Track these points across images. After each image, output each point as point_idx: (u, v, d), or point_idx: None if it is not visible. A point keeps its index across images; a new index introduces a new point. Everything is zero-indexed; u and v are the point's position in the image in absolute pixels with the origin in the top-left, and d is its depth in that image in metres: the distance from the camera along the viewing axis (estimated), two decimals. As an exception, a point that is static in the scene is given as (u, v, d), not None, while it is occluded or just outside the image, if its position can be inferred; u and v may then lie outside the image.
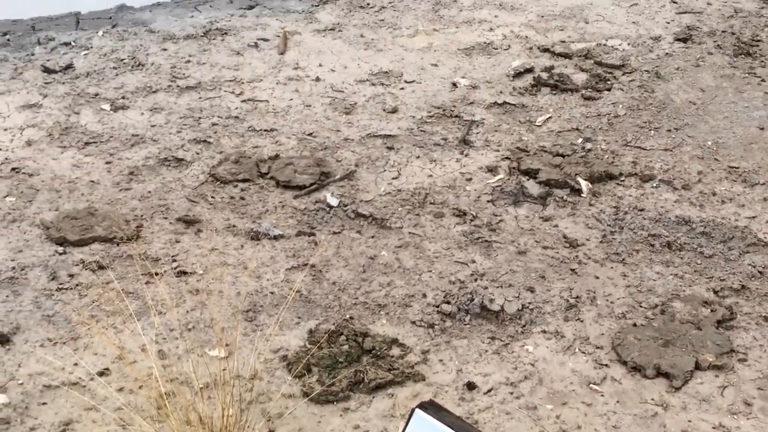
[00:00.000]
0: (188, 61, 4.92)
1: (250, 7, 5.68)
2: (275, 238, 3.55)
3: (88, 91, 4.58)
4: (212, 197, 3.80)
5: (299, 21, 5.44)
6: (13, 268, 3.30)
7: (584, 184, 3.88)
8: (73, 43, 5.05)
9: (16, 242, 3.44)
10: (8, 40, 5.09)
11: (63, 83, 4.63)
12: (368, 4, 5.64)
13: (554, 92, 4.66)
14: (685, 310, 3.18)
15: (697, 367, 2.92)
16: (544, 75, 4.78)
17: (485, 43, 5.17)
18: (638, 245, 3.54)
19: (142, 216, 3.64)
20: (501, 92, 4.67)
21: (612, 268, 3.42)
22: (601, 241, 3.57)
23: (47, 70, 4.73)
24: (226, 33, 5.25)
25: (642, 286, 3.32)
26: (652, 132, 4.35)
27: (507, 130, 4.35)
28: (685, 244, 3.55)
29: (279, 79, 4.78)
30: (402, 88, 4.73)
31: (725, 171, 4.06)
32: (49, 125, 4.26)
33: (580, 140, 4.25)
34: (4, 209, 3.63)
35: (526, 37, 5.24)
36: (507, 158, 4.11)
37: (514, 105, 4.56)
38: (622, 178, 3.97)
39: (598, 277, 3.37)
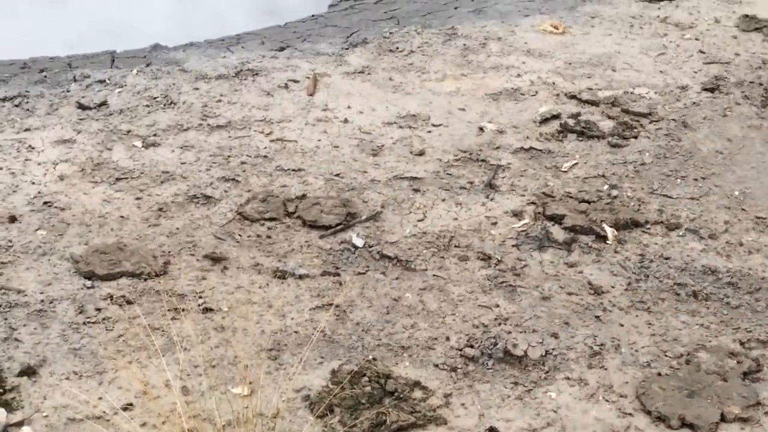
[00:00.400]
0: (219, 101, 5.00)
1: (281, 49, 5.76)
2: (300, 277, 3.58)
3: (121, 127, 4.66)
4: (239, 235, 3.84)
5: (329, 63, 5.52)
6: (42, 300, 3.34)
7: (610, 231, 3.88)
8: (107, 81, 5.15)
9: (46, 275, 3.50)
10: (45, 76, 5.20)
11: (97, 120, 4.72)
12: (398, 48, 5.72)
13: (581, 139, 4.69)
14: (711, 360, 3.16)
15: (723, 419, 2.89)
16: (571, 121, 4.80)
17: (513, 88, 5.21)
18: (664, 294, 3.53)
19: (169, 252, 3.69)
20: (527, 137, 4.70)
21: (637, 316, 3.41)
22: (626, 289, 3.56)
23: (82, 107, 4.82)
24: (257, 74, 5.33)
25: (667, 335, 3.30)
26: (679, 180, 4.35)
27: (533, 175, 4.37)
28: (712, 294, 3.53)
29: (308, 120, 4.84)
30: (429, 132, 4.77)
31: (752, 221, 4.05)
32: (82, 160, 4.33)
33: (606, 187, 4.26)
34: (36, 242, 3.69)
35: (554, 83, 5.28)
36: (532, 203, 4.13)
37: (541, 150, 4.58)
38: (648, 226, 3.97)
39: (622, 325, 3.36)
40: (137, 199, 4.07)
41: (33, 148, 4.42)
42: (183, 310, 3.28)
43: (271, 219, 3.96)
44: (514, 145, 4.63)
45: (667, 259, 3.74)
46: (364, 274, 3.64)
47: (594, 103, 5.04)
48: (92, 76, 5.23)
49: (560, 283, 3.60)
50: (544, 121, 4.84)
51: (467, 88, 5.23)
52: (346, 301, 3.44)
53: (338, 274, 3.62)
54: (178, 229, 3.86)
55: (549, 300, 3.50)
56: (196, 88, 5.13)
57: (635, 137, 4.71)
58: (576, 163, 4.48)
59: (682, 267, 3.69)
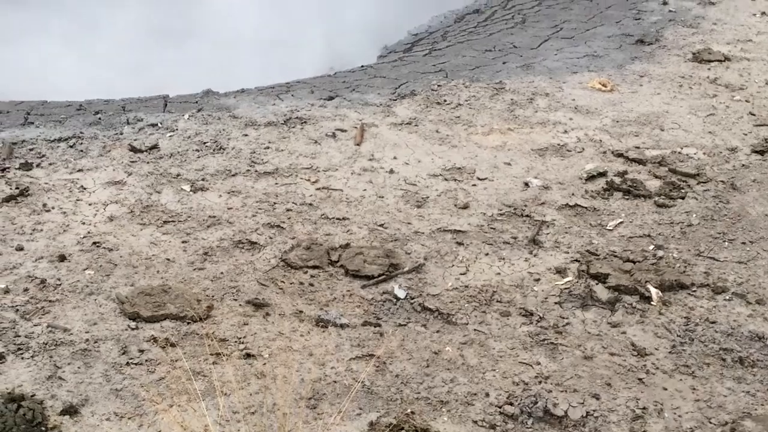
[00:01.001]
0: (267, 147, 5.07)
1: (330, 98, 5.84)
2: (341, 326, 3.58)
3: (171, 171, 4.74)
4: (282, 282, 3.87)
5: (377, 114, 5.58)
6: (87, 340, 3.39)
7: (654, 292, 3.84)
8: (159, 125, 5.26)
9: (92, 315, 3.55)
10: (100, 118, 5.33)
11: (147, 162, 4.81)
12: (445, 100, 5.76)
13: (627, 197, 4.66)
14: (757, 429, 3.09)
15: (768, 490, 2.82)
16: (617, 180, 4.79)
17: (559, 144, 5.22)
18: (709, 359, 3.47)
19: (213, 296, 3.72)
20: (573, 194, 4.69)
21: (681, 380, 3.36)
22: (670, 352, 3.51)
23: (134, 149, 4.92)
24: (305, 122, 5.40)
25: (712, 401, 3.24)
26: (726, 243, 4.30)
27: (577, 232, 4.36)
28: (758, 360, 3.47)
29: (354, 170, 4.88)
30: (474, 185, 4.78)
31: (801, 287, 3.97)
32: (132, 202, 4.41)
33: (652, 247, 4.23)
34: (83, 281, 3.76)
35: (601, 141, 5.27)
36: (576, 261, 4.11)
37: (586, 208, 4.57)
38: (693, 289, 3.92)
39: (666, 389, 3.31)
40: (183, 242, 4.12)
41: (85, 189, 4.51)
42: (224, 355, 3.30)
43: (314, 267, 3.99)
44: (559, 201, 4.62)
45: (713, 323, 3.69)
46: (404, 325, 3.64)
47: (641, 162, 5.02)
48: (145, 119, 5.35)
49: (603, 343, 3.56)
50: (590, 178, 4.83)
51: (513, 143, 5.25)
52: (386, 352, 3.43)
53: (379, 325, 3.62)
54: (222, 273, 3.90)
55: (591, 360, 3.46)
56: (246, 135, 5.21)
57: (682, 198, 4.68)
58: (621, 222, 4.45)
59: (729, 332, 3.64)
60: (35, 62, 7.72)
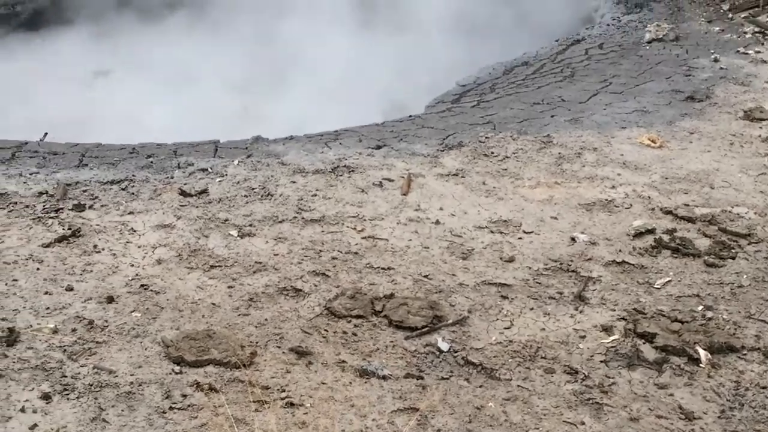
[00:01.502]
0: (315, 195, 5.11)
1: (378, 147, 5.88)
2: (384, 377, 3.57)
3: (219, 216, 4.80)
4: (326, 330, 3.87)
5: (424, 164, 5.60)
6: (131, 383, 3.41)
7: (703, 354, 3.77)
8: (209, 170, 5.34)
9: (137, 357, 3.58)
10: (152, 162, 5.42)
11: (196, 207, 4.88)
12: (492, 152, 5.77)
13: (675, 256, 4.60)
14: (809, 501, 3.00)
15: None
16: (666, 237, 4.73)
17: (607, 200, 5.18)
18: (760, 425, 3.38)
19: (257, 343, 3.74)
20: (620, 251, 4.65)
21: (730, 446, 3.28)
22: (719, 417, 3.43)
23: (183, 194, 5.00)
24: (353, 170, 5.45)
25: (762, 470, 3.16)
26: (778, 306, 4.21)
27: (624, 290, 4.30)
28: (811, 429, 3.37)
29: (400, 219, 4.89)
30: (520, 238, 4.76)
31: None
32: (180, 246, 4.47)
33: (701, 308, 4.16)
34: (130, 324, 3.80)
35: (649, 197, 5.23)
36: (623, 319, 4.05)
37: (633, 265, 4.52)
38: (744, 352, 3.84)
39: (714, 455, 3.23)
40: (229, 287, 4.15)
41: (135, 231, 4.58)
42: (267, 402, 3.30)
43: (358, 316, 3.99)
44: (606, 257, 4.58)
45: (764, 388, 3.60)
46: (447, 379, 3.61)
47: (690, 220, 4.96)
48: (195, 164, 5.43)
49: (649, 405, 3.49)
50: (638, 235, 4.78)
51: (560, 197, 5.23)
52: (429, 406, 3.40)
53: (422, 378, 3.60)
54: (266, 320, 3.92)
55: (637, 422, 3.40)
56: (293, 182, 5.27)
57: (732, 258, 4.60)
58: (670, 281, 4.39)
59: (780, 398, 3.55)
60: (130, 104, 8.06)
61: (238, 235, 4.63)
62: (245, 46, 9.48)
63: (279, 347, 3.73)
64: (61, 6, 10.67)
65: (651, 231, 4.82)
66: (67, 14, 10.58)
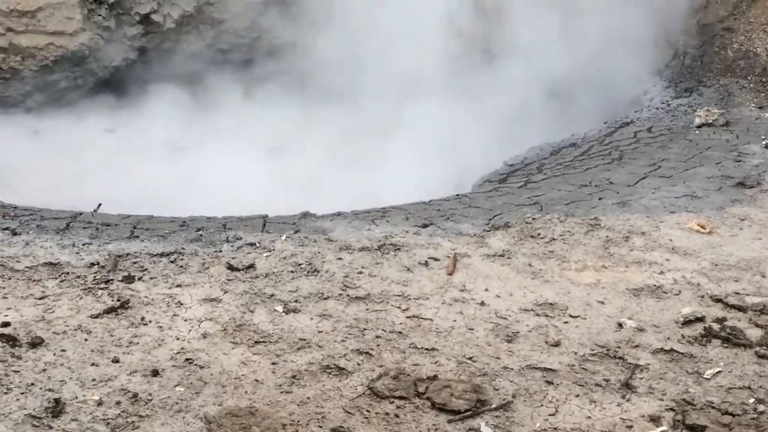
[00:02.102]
0: (360, 272, 5.13)
1: (425, 226, 5.91)
2: (425, 462, 3.52)
3: (265, 291, 4.84)
4: (368, 411, 3.85)
5: (470, 244, 5.61)
6: (173, 458, 3.41)
7: (755, 450, 3.66)
8: (257, 244, 5.40)
9: (179, 432, 3.58)
10: (201, 235, 5.51)
11: (243, 281, 4.93)
12: (539, 234, 5.76)
13: (725, 345, 4.51)
14: None
15: None
16: (716, 326, 4.65)
17: (655, 285, 5.12)
18: None
19: (298, 422, 3.72)
20: (669, 338, 4.57)
21: None
22: None
23: (231, 268, 5.05)
24: (399, 249, 5.47)
25: None
26: (833, 401, 4.09)
27: (673, 379, 4.22)
28: None
29: (445, 299, 4.88)
30: (566, 322, 4.71)
31: None
32: (225, 320, 4.50)
33: (752, 401, 4.05)
34: (173, 398, 3.81)
35: (698, 284, 5.16)
36: (671, 409, 3.96)
37: (682, 354, 4.43)
38: (797, 448, 3.72)
39: None
40: (273, 364, 4.16)
41: (182, 304, 4.63)
42: (306, 484, 3.28)
43: (400, 398, 3.95)
44: (654, 345, 4.50)
45: (818, 487, 3.48)
46: (490, 466, 3.55)
47: (741, 309, 4.87)
48: (244, 238, 5.50)
49: (699, 501, 3.39)
50: (687, 323, 4.71)
51: (607, 281, 5.18)
52: (470, 493, 3.34)
53: (464, 464, 3.55)
54: (308, 398, 3.90)
55: None
56: (340, 258, 5.30)
57: (785, 349, 4.50)
58: (720, 371, 4.29)
59: (836, 499, 3.42)
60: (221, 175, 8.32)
61: (284, 311, 4.65)
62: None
63: (320, 427, 3.71)
64: (145, 68, 11.03)
65: (700, 319, 4.74)
66: (151, 76, 10.94)
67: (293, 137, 9.67)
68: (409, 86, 9.63)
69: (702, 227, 5.92)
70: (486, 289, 5.03)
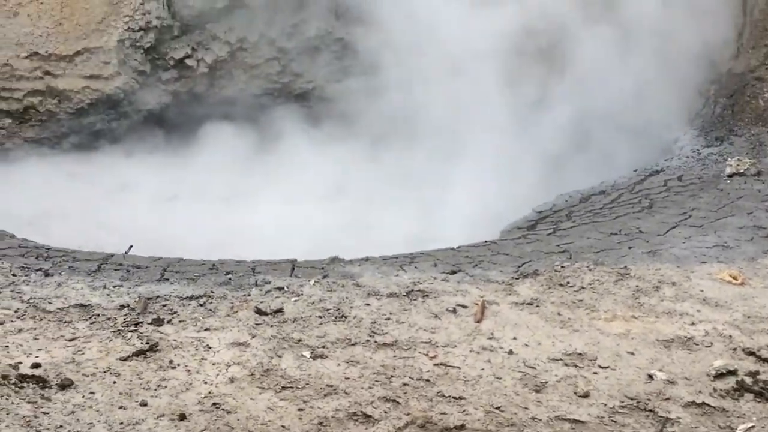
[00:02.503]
0: (388, 319, 5.12)
1: (453, 272, 5.90)
2: None
3: (293, 336, 4.84)
4: (394, 460, 3.82)
5: (498, 291, 5.59)
6: (198, 504, 3.40)
7: (789, 508, 3.58)
8: (286, 289, 5.42)
9: (205, 478, 3.58)
10: (230, 279, 5.54)
11: (271, 326, 4.94)
12: (568, 282, 5.73)
13: (758, 400, 4.43)
14: None
15: None
16: (749, 380, 4.57)
17: (686, 337, 5.06)
18: None
19: (324, 470, 3.70)
20: (700, 391, 4.50)
21: None
22: None
23: (259, 312, 5.07)
24: (427, 295, 5.46)
25: None
26: None
27: (704, 433, 4.16)
28: None
29: (473, 347, 4.86)
30: (595, 373, 4.67)
31: None
32: (253, 365, 4.51)
33: (786, 457, 3.97)
34: (200, 443, 3.82)
35: (730, 336, 5.09)
36: (703, 464, 3.90)
37: (714, 407, 4.36)
38: (833, 508, 3.64)
39: None
40: (299, 410, 4.15)
41: (210, 348, 4.65)
42: None
43: (427, 447, 3.93)
44: (685, 398, 4.44)
45: None
46: None
47: (774, 363, 4.80)
48: (272, 282, 5.53)
49: None
50: (719, 375, 4.64)
51: (637, 332, 5.13)
52: None
53: None
54: (335, 446, 3.89)
55: None
56: (368, 304, 5.30)
57: (820, 408, 4.41)
58: (753, 427, 4.22)
59: None
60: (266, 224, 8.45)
61: (311, 357, 4.65)
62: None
63: (346, 475, 3.69)
64: (179, 112, 11.20)
65: (733, 372, 4.67)
66: (184, 120, 11.11)
67: (337, 180, 9.77)
68: (440, 140, 9.74)
69: (734, 278, 5.86)
70: (514, 338, 5.00)
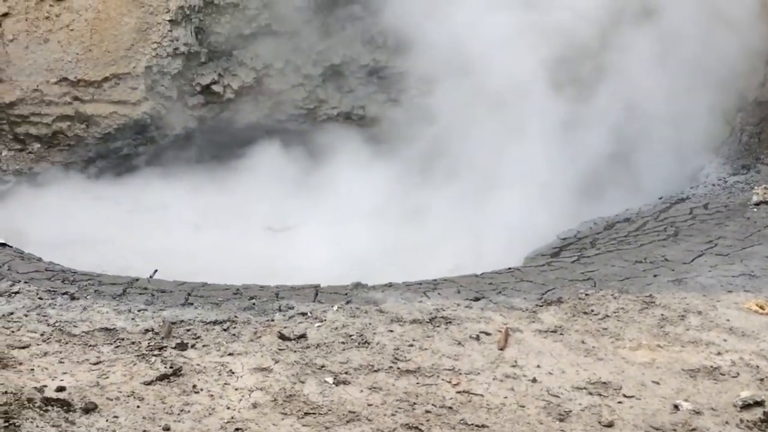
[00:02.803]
0: (411, 345, 5.11)
1: (476, 299, 5.88)
2: None
3: (316, 362, 4.84)
4: (417, 488, 3.80)
5: (522, 319, 5.56)
6: None
7: None
8: (309, 314, 5.43)
9: (227, 504, 3.57)
10: (254, 304, 5.56)
11: (294, 351, 4.94)
12: (592, 310, 5.69)
13: (787, 432, 4.38)
14: None
15: None
16: (776, 411, 4.52)
17: (712, 367, 5.01)
18: None
19: (346, 497, 3.69)
20: (727, 422, 4.45)
21: None
22: None
23: (283, 337, 5.08)
24: (450, 322, 5.45)
25: None
26: None
27: (731, 465, 4.10)
28: None
29: (496, 375, 4.83)
30: (620, 402, 4.62)
31: None
32: (276, 390, 4.51)
33: (816, 490, 3.91)
34: (222, 469, 3.82)
35: (757, 366, 5.03)
36: (730, 497, 3.84)
37: (741, 439, 4.31)
38: None
39: None
40: (322, 436, 4.15)
41: (233, 373, 4.66)
42: None
43: (449, 476, 3.90)
44: (712, 429, 4.38)
45: None
46: None
47: (802, 398, 4.73)
48: (296, 307, 5.54)
49: None
50: (746, 406, 4.58)
51: (663, 361, 5.08)
52: None
53: None
54: (357, 473, 3.87)
55: None
56: (391, 330, 5.29)
57: None
58: (780, 459, 4.16)
59: None
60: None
61: (334, 383, 4.64)
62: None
63: (368, 503, 3.67)
64: (204, 137, 11.32)
65: (760, 403, 4.61)
66: (210, 145, 11.23)
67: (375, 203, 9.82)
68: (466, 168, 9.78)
69: (761, 308, 5.79)
70: (538, 366, 4.97)
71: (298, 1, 11.06)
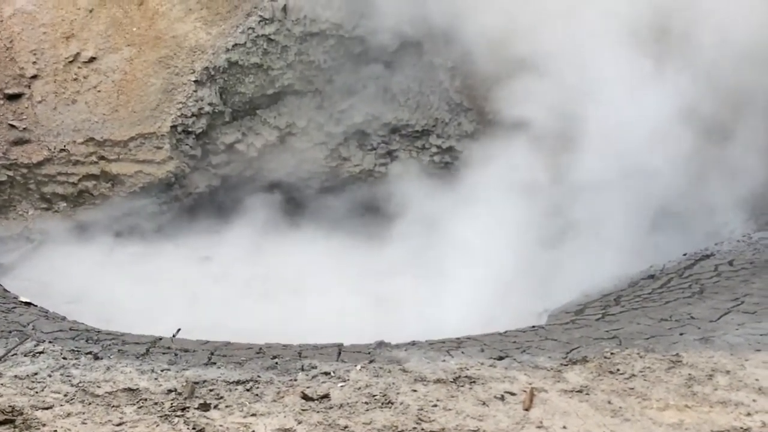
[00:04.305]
0: (435, 405, 5.06)
1: (500, 358, 5.83)
2: None
3: (339, 422, 4.80)
4: None
5: (546, 378, 5.50)
6: None
7: None
8: (332, 374, 5.40)
9: None
10: (276, 363, 5.54)
11: (317, 412, 4.91)
12: (618, 370, 5.62)
13: (821, 494, 4.27)
14: None
15: None
16: (809, 473, 4.42)
17: (742, 428, 4.91)
18: None
19: None
20: (758, 486, 4.35)
21: None
22: None
23: (306, 397, 5.05)
24: (474, 381, 5.40)
25: None
26: None
27: None
28: None
29: (521, 436, 4.77)
30: (648, 464, 4.54)
31: None
32: (299, 452, 4.47)
33: None
34: None
35: (788, 427, 4.93)
36: None
37: (774, 502, 4.21)
38: None
39: None
40: (345, 499, 4.09)
41: (256, 434, 4.64)
42: None
43: None
44: (743, 492, 4.29)
45: None
46: None
47: (836, 456, 4.63)
48: (319, 367, 5.51)
49: None
50: (778, 467, 4.49)
51: (691, 422, 4.99)
52: None
53: None
54: None
55: None
56: (414, 390, 5.25)
57: None
58: None
59: None
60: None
61: (357, 445, 4.60)
62: None
63: None
64: (228, 195, 11.43)
65: (792, 463, 4.52)
66: (233, 203, 11.34)
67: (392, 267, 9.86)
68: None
69: (790, 368, 5.70)
70: (564, 427, 4.89)
71: (320, 61, 11.23)
